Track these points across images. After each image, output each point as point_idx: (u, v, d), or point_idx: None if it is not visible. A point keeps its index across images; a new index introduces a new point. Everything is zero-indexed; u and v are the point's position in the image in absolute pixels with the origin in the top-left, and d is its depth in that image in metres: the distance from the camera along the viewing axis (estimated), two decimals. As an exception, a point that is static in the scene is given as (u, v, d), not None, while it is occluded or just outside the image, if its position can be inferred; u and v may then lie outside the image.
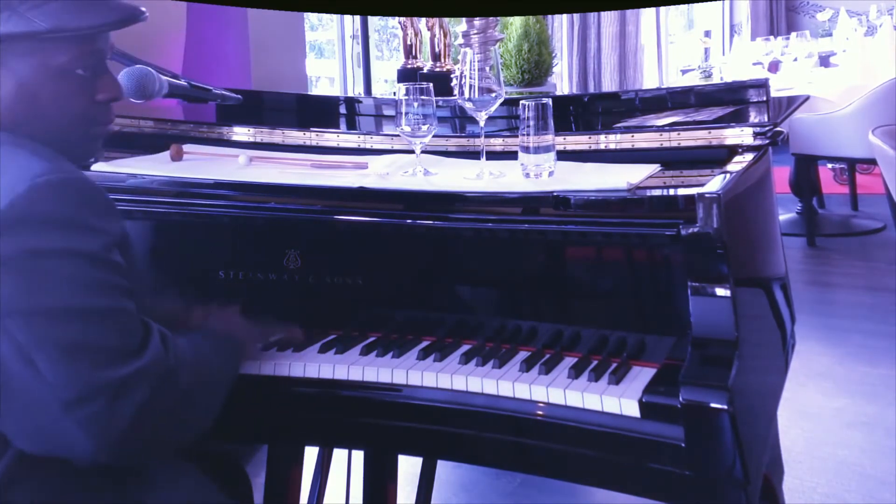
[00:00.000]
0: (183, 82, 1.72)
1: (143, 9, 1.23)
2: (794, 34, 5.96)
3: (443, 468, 2.10)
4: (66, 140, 1.16)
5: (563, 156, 1.53)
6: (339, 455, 1.82)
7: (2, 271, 0.97)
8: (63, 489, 1.07)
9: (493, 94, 1.49)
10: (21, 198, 0.99)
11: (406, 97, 1.52)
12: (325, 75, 6.34)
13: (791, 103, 1.90)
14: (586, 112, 2.04)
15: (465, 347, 1.37)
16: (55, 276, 1.00)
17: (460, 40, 2.69)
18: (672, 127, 1.59)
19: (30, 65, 1.13)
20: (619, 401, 1.18)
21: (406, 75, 2.91)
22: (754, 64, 5.76)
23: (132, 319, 1.07)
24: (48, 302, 0.99)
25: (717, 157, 1.49)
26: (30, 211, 1.00)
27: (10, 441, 1.04)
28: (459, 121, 1.97)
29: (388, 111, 2.13)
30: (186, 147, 1.74)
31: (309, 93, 4.07)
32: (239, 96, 1.88)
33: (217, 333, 1.31)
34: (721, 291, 1.19)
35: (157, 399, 1.05)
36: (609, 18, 8.00)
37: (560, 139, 1.58)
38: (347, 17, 5.54)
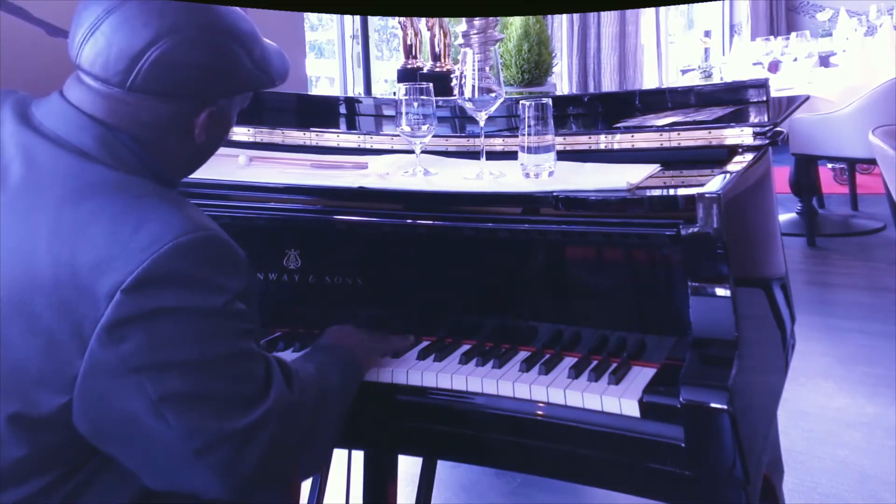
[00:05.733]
0: (183, 82, 1.71)
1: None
2: (794, 34, 5.95)
3: (443, 468, 2.10)
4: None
5: (563, 156, 1.53)
6: (339, 455, 1.82)
7: (136, 328, 0.97)
8: None
9: (493, 94, 1.49)
10: (163, 258, 0.98)
11: (406, 97, 1.52)
12: (325, 75, 6.33)
13: (791, 103, 1.90)
14: (586, 112, 2.04)
15: (464, 347, 1.37)
16: (183, 331, 0.99)
17: (460, 40, 2.68)
18: (672, 127, 1.59)
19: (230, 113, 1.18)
20: (619, 401, 1.18)
21: (406, 75, 2.90)
22: (754, 64, 5.75)
23: (254, 361, 1.06)
24: (176, 356, 0.98)
25: (717, 157, 1.49)
26: (170, 271, 0.98)
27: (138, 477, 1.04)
28: (459, 121, 1.97)
29: (388, 111, 2.13)
30: (186, 147, 1.74)
31: (309, 93, 4.07)
32: (239, 96, 1.88)
33: (335, 346, 1.31)
34: (721, 291, 1.19)
35: (284, 435, 1.05)
36: (609, 18, 8.00)
37: (560, 139, 1.58)
38: (347, 17, 5.53)
